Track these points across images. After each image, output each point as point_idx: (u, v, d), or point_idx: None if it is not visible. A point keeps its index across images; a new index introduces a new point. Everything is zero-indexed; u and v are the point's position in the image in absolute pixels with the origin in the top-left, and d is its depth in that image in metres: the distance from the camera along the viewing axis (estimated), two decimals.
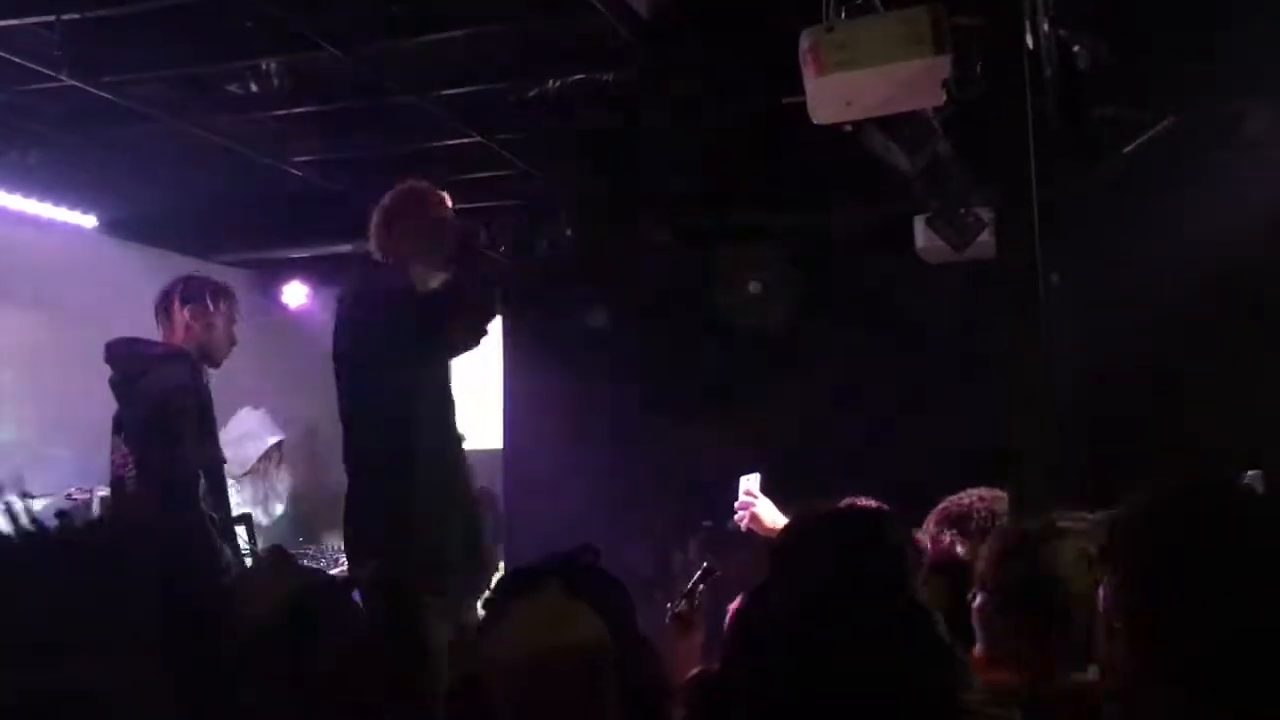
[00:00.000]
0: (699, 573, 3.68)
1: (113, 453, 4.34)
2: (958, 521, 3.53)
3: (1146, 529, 1.63)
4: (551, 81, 4.96)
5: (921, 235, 5.75)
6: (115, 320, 6.25)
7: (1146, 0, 4.42)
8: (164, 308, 4.40)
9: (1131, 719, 1.64)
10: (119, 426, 4.33)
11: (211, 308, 4.39)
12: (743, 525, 4.03)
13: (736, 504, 4.07)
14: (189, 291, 4.39)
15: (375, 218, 4.09)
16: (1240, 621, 1.48)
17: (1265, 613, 1.48)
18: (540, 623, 1.87)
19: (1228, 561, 1.53)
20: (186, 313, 4.35)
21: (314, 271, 7.51)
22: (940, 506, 3.57)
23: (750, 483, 4.07)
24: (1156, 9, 4.47)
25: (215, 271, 7.08)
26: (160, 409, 4.16)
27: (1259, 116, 5.04)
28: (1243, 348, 6.49)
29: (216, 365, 4.44)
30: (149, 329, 5.98)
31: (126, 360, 4.33)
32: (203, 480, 4.13)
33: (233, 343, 4.50)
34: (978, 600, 2.44)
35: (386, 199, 4.15)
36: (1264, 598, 1.49)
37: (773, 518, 3.96)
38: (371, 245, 4.08)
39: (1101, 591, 1.66)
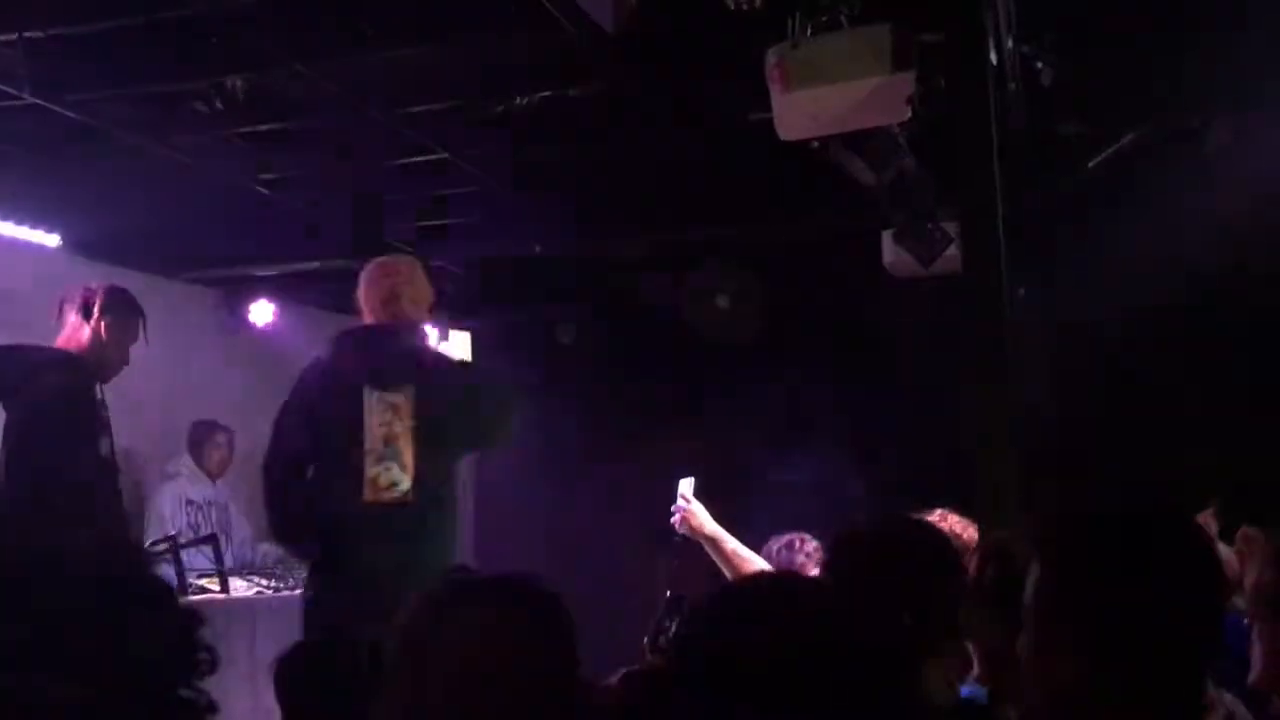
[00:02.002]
0: (665, 605, 3.65)
1: None
2: None
3: (1063, 531, 1.80)
4: (518, 98, 4.96)
5: (888, 250, 5.78)
6: None
7: (1109, 17, 4.46)
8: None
9: (1042, 684, 1.75)
10: None
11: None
12: (678, 528, 3.95)
13: (673, 507, 3.92)
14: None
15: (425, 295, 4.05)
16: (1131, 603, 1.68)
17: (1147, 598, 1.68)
18: (481, 633, 1.83)
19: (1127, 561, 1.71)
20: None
21: (281, 289, 7.47)
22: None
23: (685, 487, 4.00)
24: (1119, 26, 4.52)
25: (181, 290, 7.07)
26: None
27: (1220, 131, 5.10)
28: (1207, 358, 6.56)
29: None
30: None
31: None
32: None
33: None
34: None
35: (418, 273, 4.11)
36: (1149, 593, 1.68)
37: (703, 522, 3.91)
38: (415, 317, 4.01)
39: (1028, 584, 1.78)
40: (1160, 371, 6.65)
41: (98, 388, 4.23)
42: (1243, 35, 4.47)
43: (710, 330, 7.39)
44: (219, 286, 7.37)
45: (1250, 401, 6.33)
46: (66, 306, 4.31)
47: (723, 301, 7.69)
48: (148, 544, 5.52)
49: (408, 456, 3.74)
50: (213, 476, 6.43)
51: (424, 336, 4.08)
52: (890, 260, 5.80)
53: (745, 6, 3.68)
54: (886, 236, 5.78)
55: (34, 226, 5.97)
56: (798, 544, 4.05)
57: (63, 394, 4.11)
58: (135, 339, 4.38)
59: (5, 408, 4.22)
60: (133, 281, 6.63)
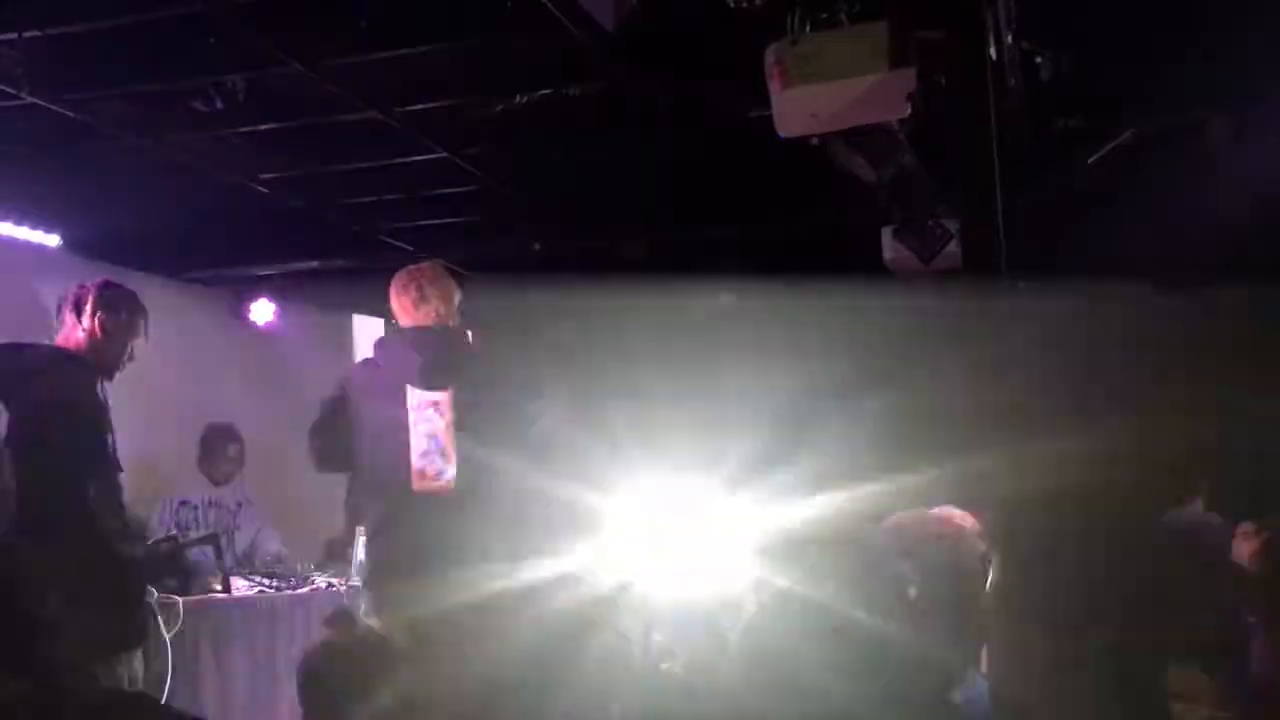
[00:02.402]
0: None
1: None
2: None
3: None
4: (518, 96, 4.96)
5: (889, 246, 5.78)
6: None
7: (1108, 13, 4.45)
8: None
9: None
10: None
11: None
12: None
13: None
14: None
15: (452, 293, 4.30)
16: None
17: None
18: None
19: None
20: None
21: (281, 288, 7.47)
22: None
23: None
24: (1118, 22, 4.52)
25: (180, 289, 7.07)
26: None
27: (1220, 126, 5.09)
28: (1207, 354, 6.55)
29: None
30: None
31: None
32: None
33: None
34: None
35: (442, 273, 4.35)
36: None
37: None
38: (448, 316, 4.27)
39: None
40: (1160, 365, 6.65)
41: (99, 385, 4.22)
42: (1243, 31, 4.47)
43: (713, 327, 7.39)
44: (219, 286, 7.37)
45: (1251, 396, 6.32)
46: (63, 306, 4.31)
47: (726, 299, 7.70)
48: (150, 541, 5.51)
49: (450, 448, 4.07)
50: (216, 482, 6.41)
51: (461, 336, 4.30)
52: (890, 256, 5.81)
53: (745, 4, 3.69)
54: (887, 233, 5.78)
55: (34, 227, 5.98)
56: None
57: (64, 392, 4.12)
58: (136, 334, 4.36)
59: (7, 408, 4.21)
60: (132, 281, 6.61)
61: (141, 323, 4.40)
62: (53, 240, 6.09)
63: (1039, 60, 4.54)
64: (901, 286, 6.05)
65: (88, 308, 4.25)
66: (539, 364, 5.00)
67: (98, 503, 4.04)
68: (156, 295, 6.78)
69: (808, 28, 3.78)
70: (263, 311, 7.62)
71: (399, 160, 5.77)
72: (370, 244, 7.12)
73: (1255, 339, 6.22)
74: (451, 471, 4.06)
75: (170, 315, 6.90)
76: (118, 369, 4.34)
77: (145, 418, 6.45)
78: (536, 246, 6.96)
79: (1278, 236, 5.78)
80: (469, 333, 4.28)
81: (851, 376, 7.07)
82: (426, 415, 4.07)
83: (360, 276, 7.53)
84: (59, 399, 4.10)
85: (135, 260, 6.56)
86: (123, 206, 5.99)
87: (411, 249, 7.20)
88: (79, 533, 3.90)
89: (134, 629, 4.10)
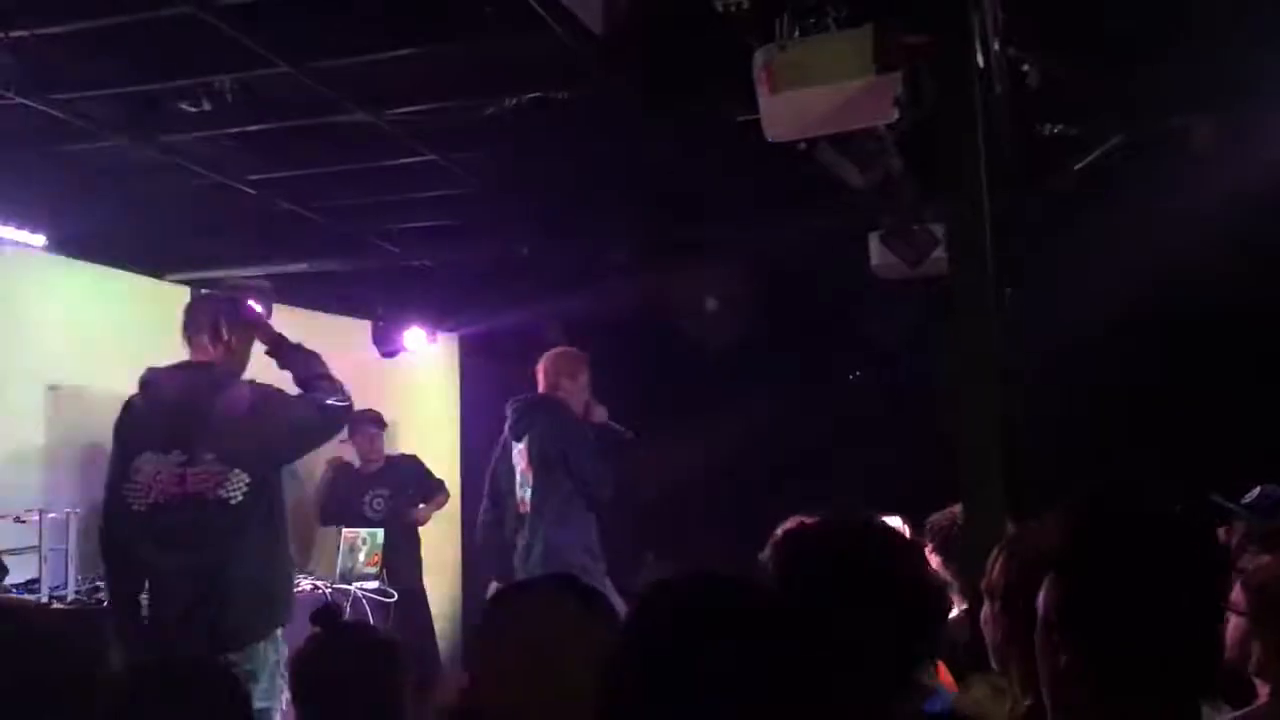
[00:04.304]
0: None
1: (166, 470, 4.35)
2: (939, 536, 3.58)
3: (1092, 540, 1.72)
4: (507, 99, 4.96)
5: (876, 251, 5.80)
6: (69, 339, 6.21)
7: (1094, 19, 4.48)
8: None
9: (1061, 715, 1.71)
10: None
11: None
12: None
13: None
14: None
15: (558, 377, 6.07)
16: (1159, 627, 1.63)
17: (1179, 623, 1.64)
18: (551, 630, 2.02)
19: (1155, 575, 1.66)
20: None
21: (218, 289, 7.43)
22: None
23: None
24: (1104, 28, 4.54)
25: (169, 291, 7.05)
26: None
27: (1204, 132, 5.12)
28: (1192, 359, 6.59)
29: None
30: (100, 347, 5.95)
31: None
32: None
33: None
34: (985, 609, 2.46)
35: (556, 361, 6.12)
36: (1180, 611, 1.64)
37: None
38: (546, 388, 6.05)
39: (1043, 595, 1.73)
40: (1145, 370, 6.68)
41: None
42: (1227, 38, 4.49)
43: (698, 332, 7.41)
44: (205, 287, 7.34)
45: (1233, 398, 6.37)
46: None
47: (711, 304, 7.71)
48: None
49: (530, 480, 5.88)
50: None
51: (559, 405, 5.95)
52: (878, 261, 5.82)
53: (733, 8, 3.69)
54: (874, 238, 5.80)
55: (19, 226, 5.95)
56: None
57: None
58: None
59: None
60: (118, 281, 6.64)
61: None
62: (38, 240, 6.06)
63: (1025, 67, 4.56)
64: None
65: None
66: None
67: None
68: (143, 295, 6.80)
69: (796, 32, 3.79)
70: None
71: (387, 162, 5.76)
72: (358, 246, 7.11)
73: None
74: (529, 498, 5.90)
75: (156, 315, 6.90)
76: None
77: None
78: (525, 249, 6.96)
79: (1262, 240, 5.81)
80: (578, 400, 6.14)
81: None
82: (520, 460, 6.05)
83: (347, 279, 7.53)
84: None
85: (121, 260, 6.54)
86: (110, 207, 5.98)
87: (399, 251, 7.20)
88: None
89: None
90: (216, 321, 4.59)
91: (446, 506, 7.97)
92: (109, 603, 4.62)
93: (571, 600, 2.11)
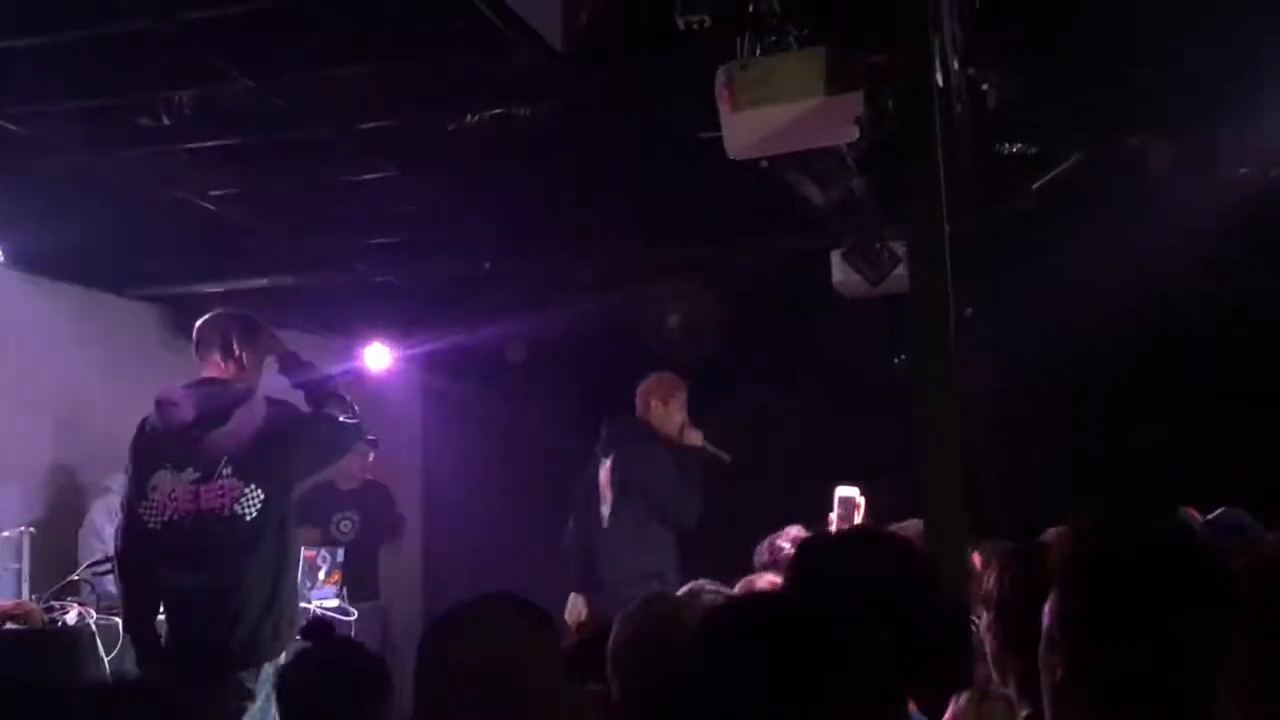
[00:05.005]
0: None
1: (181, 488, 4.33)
2: None
3: (1094, 555, 1.73)
4: (469, 115, 4.95)
5: (838, 269, 5.82)
6: (25, 355, 6.15)
7: (1053, 41, 4.52)
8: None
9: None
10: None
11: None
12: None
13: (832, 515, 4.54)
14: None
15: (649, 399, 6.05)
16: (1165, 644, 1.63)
17: (1185, 639, 1.64)
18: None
19: (1160, 590, 1.66)
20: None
21: (229, 307, 7.39)
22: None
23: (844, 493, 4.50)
24: (1062, 49, 4.58)
25: (128, 307, 7.00)
26: None
27: (1160, 152, 5.18)
28: (1149, 376, 6.65)
29: None
30: (63, 363, 5.89)
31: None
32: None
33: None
34: (984, 620, 2.46)
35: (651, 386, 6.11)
36: (1186, 625, 1.64)
37: None
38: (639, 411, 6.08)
39: (1047, 610, 1.73)
40: (1105, 389, 6.73)
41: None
42: (1185, 59, 4.54)
43: (661, 350, 7.40)
44: (164, 303, 7.29)
45: (1195, 415, 6.42)
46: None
47: (674, 320, 7.71)
48: (86, 564, 5.46)
49: (609, 499, 5.86)
50: None
51: (645, 429, 5.95)
52: (839, 279, 5.85)
53: (696, 25, 3.70)
54: (836, 256, 5.82)
55: None
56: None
57: None
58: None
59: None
60: (77, 298, 6.58)
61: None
62: None
63: (985, 86, 4.60)
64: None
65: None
66: None
67: None
68: (101, 312, 6.74)
69: (757, 50, 3.80)
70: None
71: (349, 178, 5.74)
72: (319, 262, 7.08)
73: None
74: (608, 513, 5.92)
75: (114, 332, 6.84)
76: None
77: (86, 435, 6.37)
78: (487, 265, 6.94)
79: (1217, 260, 5.88)
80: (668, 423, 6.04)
81: None
82: (604, 477, 6.03)
83: (309, 295, 7.49)
84: None
85: (80, 276, 6.48)
86: (67, 222, 5.92)
87: (361, 267, 7.17)
88: None
89: None
90: (228, 338, 4.56)
91: (408, 523, 8.01)
92: (124, 622, 4.57)
93: (509, 616, 2.14)
